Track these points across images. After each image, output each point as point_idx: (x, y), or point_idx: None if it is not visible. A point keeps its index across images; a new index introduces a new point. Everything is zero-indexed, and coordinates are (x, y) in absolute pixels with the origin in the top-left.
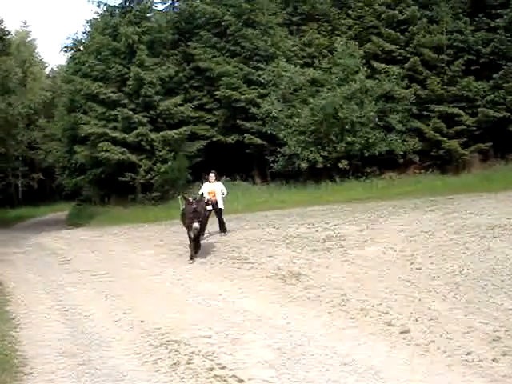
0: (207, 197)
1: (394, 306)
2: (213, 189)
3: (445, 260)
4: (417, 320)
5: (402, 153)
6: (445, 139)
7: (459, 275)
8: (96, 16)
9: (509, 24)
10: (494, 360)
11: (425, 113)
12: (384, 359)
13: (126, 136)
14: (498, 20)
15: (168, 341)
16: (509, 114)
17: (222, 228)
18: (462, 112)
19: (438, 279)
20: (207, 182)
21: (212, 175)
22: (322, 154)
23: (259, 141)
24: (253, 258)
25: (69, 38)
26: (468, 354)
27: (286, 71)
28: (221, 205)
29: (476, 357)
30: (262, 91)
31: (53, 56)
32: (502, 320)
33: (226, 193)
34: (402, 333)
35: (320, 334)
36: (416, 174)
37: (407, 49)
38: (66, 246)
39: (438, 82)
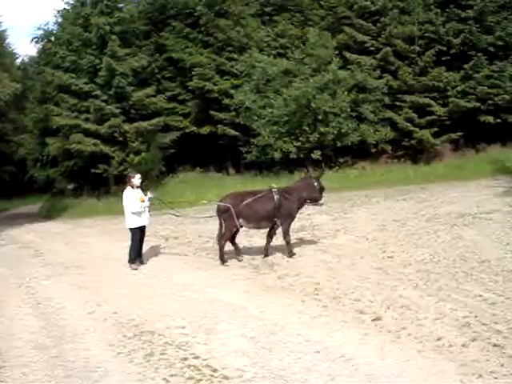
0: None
1: (366, 293)
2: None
3: (416, 248)
4: (388, 307)
5: (374, 143)
6: (416, 129)
7: (430, 263)
8: (67, 6)
9: (479, 15)
10: (463, 345)
11: (397, 103)
12: (356, 346)
13: (99, 127)
14: (468, 11)
15: (142, 332)
16: (479, 104)
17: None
18: (433, 102)
19: (410, 267)
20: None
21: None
22: (295, 144)
23: (232, 132)
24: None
25: (39, 28)
26: (438, 339)
27: (258, 62)
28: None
29: (446, 342)
30: (235, 82)
31: (23, 47)
32: (471, 306)
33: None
34: (373, 320)
35: (293, 323)
36: (388, 163)
37: (379, 39)
38: (38, 238)
39: (410, 73)
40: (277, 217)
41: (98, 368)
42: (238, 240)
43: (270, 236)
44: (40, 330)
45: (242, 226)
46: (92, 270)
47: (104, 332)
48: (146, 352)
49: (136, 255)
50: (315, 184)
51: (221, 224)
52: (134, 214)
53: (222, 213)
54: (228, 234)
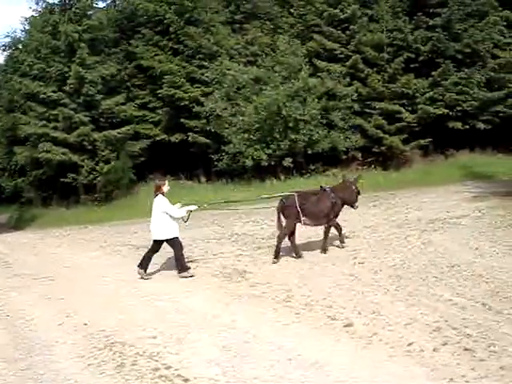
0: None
1: (338, 300)
2: None
3: (387, 254)
4: (360, 313)
5: (344, 149)
6: (386, 136)
7: (401, 268)
8: (35, 14)
9: (447, 23)
10: (434, 350)
11: (366, 110)
12: (328, 353)
13: (68, 136)
14: (436, 19)
15: (112, 343)
16: (447, 110)
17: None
18: (402, 109)
19: (381, 273)
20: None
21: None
22: (266, 151)
23: (203, 139)
24: (198, 257)
25: (7, 36)
26: (409, 344)
27: (229, 69)
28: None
29: (417, 347)
30: (205, 89)
31: None
32: (442, 311)
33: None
34: (345, 326)
35: (265, 331)
36: (358, 170)
37: (348, 47)
38: (6, 249)
39: (379, 80)
40: (331, 215)
41: (68, 380)
42: (206, 249)
43: (326, 233)
44: (9, 342)
45: (304, 224)
46: (61, 281)
47: (74, 343)
48: (116, 363)
49: (185, 262)
50: (353, 188)
51: (279, 220)
52: (173, 221)
53: (285, 209)
54: (288, 231)
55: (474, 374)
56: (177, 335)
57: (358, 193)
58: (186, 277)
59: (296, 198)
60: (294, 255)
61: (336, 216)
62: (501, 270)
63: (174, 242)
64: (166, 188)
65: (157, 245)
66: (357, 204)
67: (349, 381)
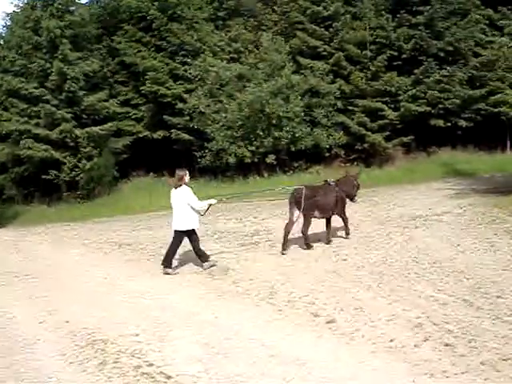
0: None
1: (320, 296)
2: None
3: (369, 250)
4: (342, 310)
5: (327, 147)
6: (369, 133)
7: (383, 265)
8: (16, 9)
9: (429, 21)
10: (416, 346)
11: (349, 107)
12: (310, 349)
13: (50, 133)
14: (418, 17)
15: (94, 340)
16: (429, 108)
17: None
18: (385, 106)
19: (363, 269)
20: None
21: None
22: (249, 148)
23: (186, 136)
24: (181, 255)
25: None
26: (391, 340)
27: (212, 66)
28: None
29: (399, 343)
30: (188, 86)
31: None
32: (423, 307)
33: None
34: (327, 323)
35: (248, 327)
36: (341, 167)
37: (331, 44)
38: None
39: (362, 78)
40: (336, 207)
41: (50, 378)
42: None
43: (329, 223)
44: None
45: (313, 217)
46: (43, 279)
47: (56, 341)
48: (98, 361)
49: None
50: (355, 182)
51: (292, 213)
52: (195, 212)
53: (299, 202)
54: (309, 223)
55: (455, 370)
56: (159, 332)
57: (358, 187)
58: (211, 266)
59: (308, 192)
60: (305, 246)
61: (343, 208)
62: (481, 267)
63: (193, 233)
64: (187, 178)
65: (179, 236)
66: (356, 198)
67: (331, 377)
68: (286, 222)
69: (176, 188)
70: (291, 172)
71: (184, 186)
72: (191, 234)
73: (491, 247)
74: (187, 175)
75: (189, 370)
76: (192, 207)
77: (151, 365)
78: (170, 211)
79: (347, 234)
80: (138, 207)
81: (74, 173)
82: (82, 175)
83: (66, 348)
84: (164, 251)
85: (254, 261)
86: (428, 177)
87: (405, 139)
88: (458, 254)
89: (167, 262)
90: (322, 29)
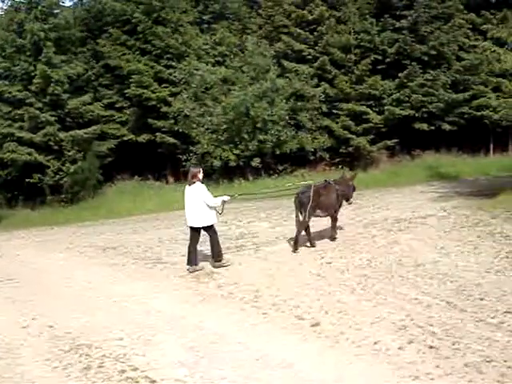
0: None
1: (305, 299)
2: None
3: (354, 253)
4: (327, 313)
5: (312, 150)
6: (353, 136)
7: (367, 267)
8: (0, 12)
9: (413, 25)
10: (400, 348)
11: (334, 111)
12: (296, 352)
13: (33, 136)
14: (402, 21)
15: (78, 345)
16: (413, 111)
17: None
18: (369, 110)
19: (348, 272)
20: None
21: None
22: (234, 152)
23: (171, 140)
24: (166, 258)
25: None
26: (375, 343)
27: (197, 70)
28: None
29: (383, 346)
30: (173, 90)
31: None
32: (407, 310)
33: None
34: (312, 326)
35: (233, 331)
36: (326, 170)
37: (316, 48)
38: None
39: (346, 81)
40: (337, 206)
41: (34, 383)
42: (174, 249)
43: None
44: None
45: (316, 215)
46: (27, 283)
47: (39, 346)
48: (83, 365)
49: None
50: (350, 183)
51: (301, 212)
52: (211, 208)
53: (304, 204)
54: (307, 222)
55: (439, 372)
56: (144, 336)
57: (354, 189)
58: (223, 266)
59: (313, 191)
60: (309, 245)
61: (339, 207)
62: (465, 269)
63: (211, 229)
64: (201, 175)
65: (195, 233)
66: (352, 199)
67: (316, 380)
68: (296, 219)
69: (190, 185)
70: (276, 175)
71: (198, 183)
72: (208, 230)
73: (475, 250)
74: (201, 172)
75: (174, 374)
76: (207, 204)
77: (136, 369)
78: (154, 215)
79: (333, 237)
80: (122, 211)
81: (57, 176)
82: (66, 179)
83: (50, 353)
84: (148, 255)
85: (239, 264)
86: (412, 180)
87: (389, 142)
88: (441, 257)
89: (191, 262)
90: (307, 32)
